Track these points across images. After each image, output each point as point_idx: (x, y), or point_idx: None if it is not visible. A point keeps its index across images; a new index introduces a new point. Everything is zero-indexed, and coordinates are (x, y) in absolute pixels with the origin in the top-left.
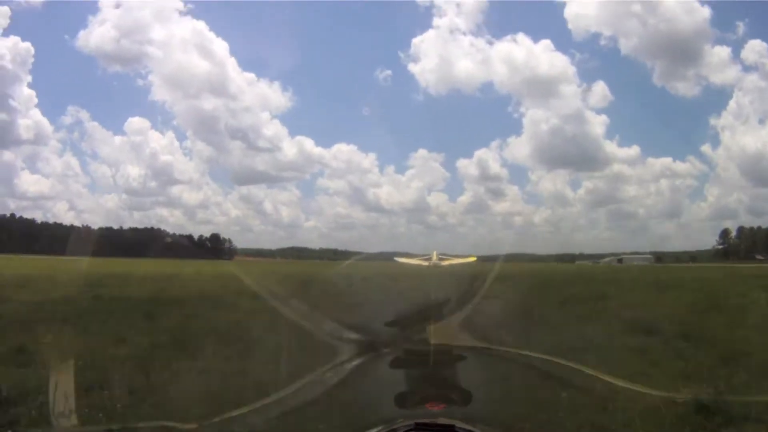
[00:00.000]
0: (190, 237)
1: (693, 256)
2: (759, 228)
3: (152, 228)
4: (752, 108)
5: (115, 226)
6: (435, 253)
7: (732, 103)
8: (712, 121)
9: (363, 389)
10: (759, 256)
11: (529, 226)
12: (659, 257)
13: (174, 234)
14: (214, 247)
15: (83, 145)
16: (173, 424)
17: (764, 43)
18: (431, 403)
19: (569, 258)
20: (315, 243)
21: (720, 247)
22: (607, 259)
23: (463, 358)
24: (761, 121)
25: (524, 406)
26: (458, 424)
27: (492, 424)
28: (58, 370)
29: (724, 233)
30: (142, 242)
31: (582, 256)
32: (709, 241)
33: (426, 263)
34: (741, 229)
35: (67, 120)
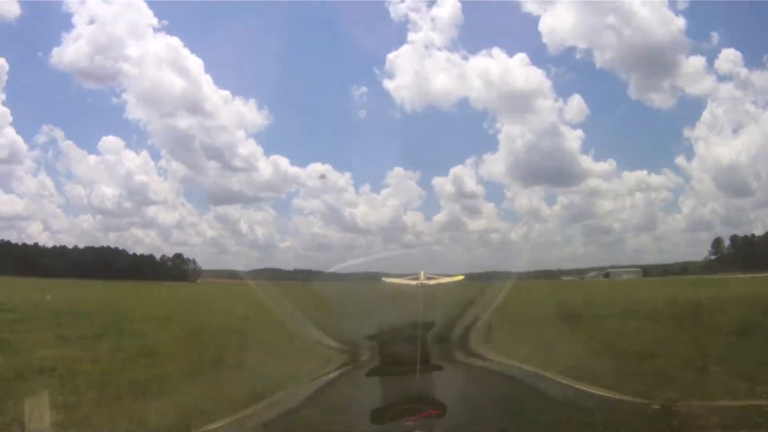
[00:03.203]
0: (151, 257)
1: (683, 268)
2: (753, 236)
3: (110, 248)
4: (726, 118)
5: (69, 246)
6: (422, 272)
7: (706, 114)
8: (687, 133)
9: None
10: None
11: (506, 244)
12: (646, 271)
13: (134, 254)
14: (177, 268)
15: (58, 164)
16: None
17: (738, 52)
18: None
19: (551, 275)
20: (290, 264)
21: (712, 257)
22: (591, 274)
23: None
24: (735, 131)
25: None
26: None
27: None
28: None
29: (716, 243)
30: (101, 263)
31: (564, 272)
32: (686, 252)
33: (413, 283)
34: (734, 239)
35: (41, 139)
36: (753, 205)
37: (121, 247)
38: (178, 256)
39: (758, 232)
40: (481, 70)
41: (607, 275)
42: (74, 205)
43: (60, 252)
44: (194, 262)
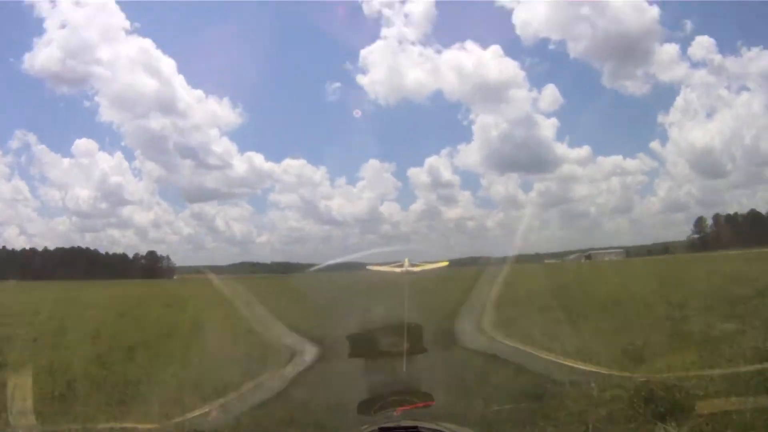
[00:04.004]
0: (124, 256)
1: (666, 248)
2: (736, 214)
3: (80, 248)
4: (699, 103)
5: (39, 248)
6: (407, 259)
7: (680, 99)
8: (661, 118)
9: None
10: None
11: (482, 230)
12: (628, 251)
13: (106, 254)
14: (150, 266)
15: (32, 168)
16: (133, 425)
17: (711, 39)
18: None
19: (532, 258)
20: (268, 257)
21: (695, 236)
22: (572, 257)
23: None
24: (708, 116)
25: None
26: (421, 424)
27: (455, 420)
28: None
29: (699, 222)
30: (71, 264)
31: (542, 256)
32: (662, 234)
33: (398, 270)
34: (717, 217)
35: (14, 144)
36: (727, 187)
37: (95, 248)
38: (151, 254)
39: (732, 211)
40: (455, 63)
41: (589, 257)
42: (50, 208)
43: (29, 254)
44: (168, 259)
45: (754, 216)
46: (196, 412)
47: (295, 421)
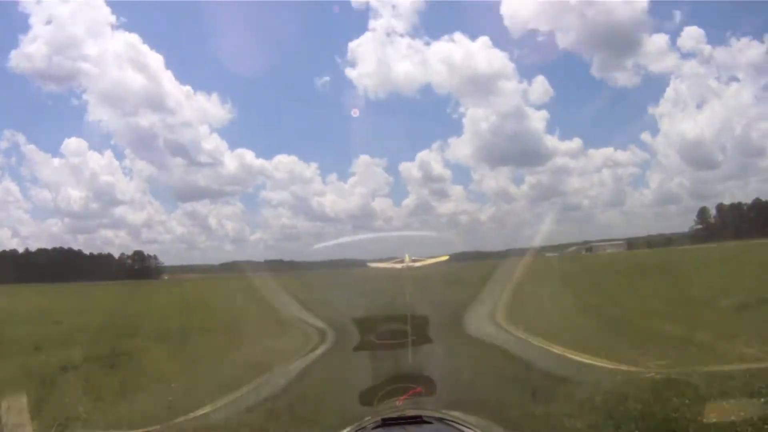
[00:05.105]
0: (109, 256)
1: (669, 239)
2: (740, 204)
3: (63, 249)
4: (689, 94)
5: (21, 250)
6: (407, 255)
7: (670, 91)
8: (651, 110)
9: None
10: None
11: (476, 224)
12: (630, 243)
13: (91, 254)
14: (137, 267)
15: (22, 169)
16: None
17: (700, 30)
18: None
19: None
20: (261, 255)
21: (698, 227)
22: (571, 249)
23: None
24: (699, 107)
25: None
26: (425, 413)
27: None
28: None
29: (702, 213)
30: (54, 266)
31: (545, 249)
32: (654, 225)
33: (399, 266)
34: (720, 207)
35: (3, 144)
36: (719, 178)
37: (85, 249)
38: (138, 254)
39: (736, 201)
40: (444, 54)
41: (589, 249)
42: (41, 209)
43: (10, 255)
44: (155, 258)
45: (759, 206)
46: None
47: None
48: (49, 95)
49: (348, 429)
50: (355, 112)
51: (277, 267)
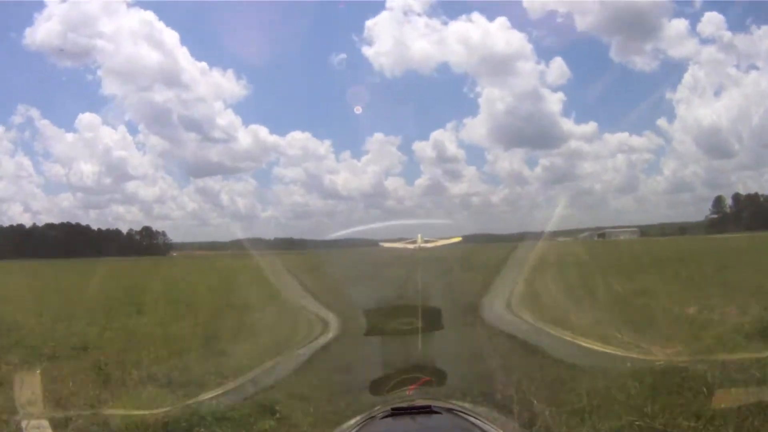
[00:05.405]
0: (117, 232)
1: (682, 228)
2: (756, 194)
3: (70, 224)
4: (708, 81)
5: (28, 225)
6: (420, 236)
7: (688, 77)
8: (668, 95)
9: None
10: None
11: (487, 206)
12: (643, 231)
13: (99, 230)
14: (145, 243)
15: (35, 144)
16: (141, 412)
17: (720, 15)
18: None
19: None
20: (272, 233)
21: (714, 216)
22: (584, 235)
23: None
24: (716, 94)
25: None
26: (435, 403)
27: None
28: None
29: (718, 202)
30: (61, 241)
31: (557, 233)
32: (666, 214)
33: (411, 246)
34: (737, 197)
35: (17, 119)
36: (734, 167)
37: (94, 225)
38: (147, 230)
39: (753, 191)
40: (461, 34)
41: (602, 235)
42: (54, 184)
43: (17, 230)
44: (164, 235)
45: None
46: None
47: None
48: (63, 71)
49: (358, 418)
50: (359, 108)
51: (288, 246)
